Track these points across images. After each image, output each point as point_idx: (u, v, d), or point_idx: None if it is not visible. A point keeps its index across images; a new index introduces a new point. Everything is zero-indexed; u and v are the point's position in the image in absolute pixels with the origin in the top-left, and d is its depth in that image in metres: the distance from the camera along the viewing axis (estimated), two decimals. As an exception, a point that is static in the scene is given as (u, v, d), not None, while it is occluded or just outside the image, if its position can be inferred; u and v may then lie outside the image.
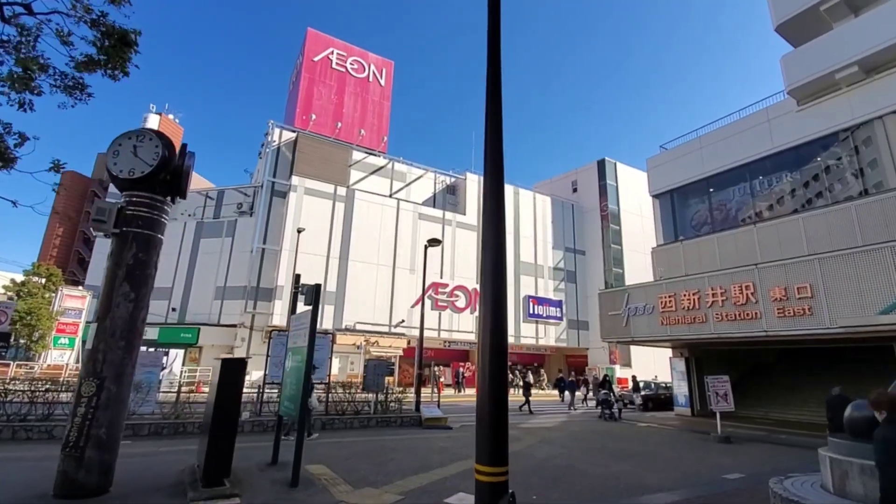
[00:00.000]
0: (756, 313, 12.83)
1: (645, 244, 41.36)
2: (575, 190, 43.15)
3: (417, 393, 13.37)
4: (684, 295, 14.79)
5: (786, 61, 16.47)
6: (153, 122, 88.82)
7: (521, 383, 26.92)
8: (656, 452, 9.82)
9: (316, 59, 33.56)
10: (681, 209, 20.37)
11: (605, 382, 16.65)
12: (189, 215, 32.07)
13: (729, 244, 17.61)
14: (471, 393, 29.52)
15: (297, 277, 5.96)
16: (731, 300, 13.49)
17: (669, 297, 15.22)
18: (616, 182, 41.05)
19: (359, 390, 12.63)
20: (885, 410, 3.32)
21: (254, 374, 21.51)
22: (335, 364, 25.87)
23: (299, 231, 24.70)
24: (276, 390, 11.42)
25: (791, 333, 12.11)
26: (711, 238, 18.42)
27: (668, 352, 39.48)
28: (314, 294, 6.85)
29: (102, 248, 30.48)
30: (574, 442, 10.84)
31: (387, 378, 15.32)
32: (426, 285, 31.95)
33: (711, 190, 19.32)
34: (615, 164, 41.66)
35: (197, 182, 34.78)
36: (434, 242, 14.04)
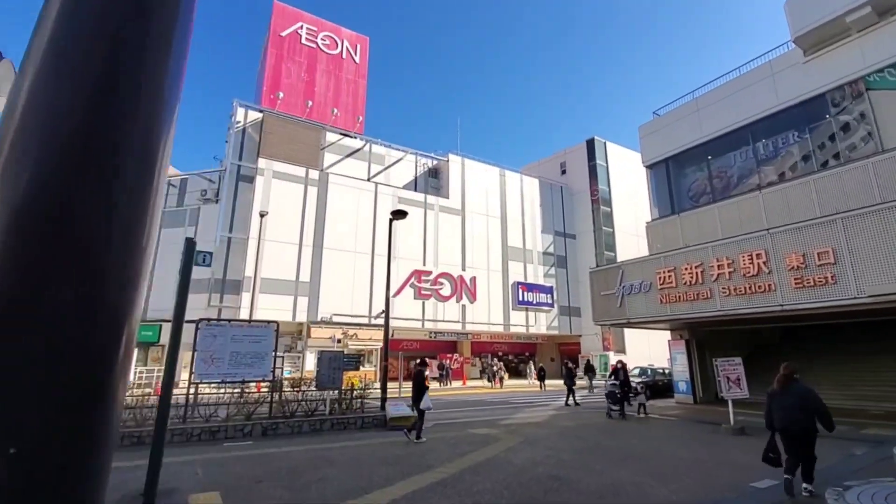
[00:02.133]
0: (769, 285, 11.17)
1: (637, 227, 39.79)
2: (564, 172, 41.43)
3: (383, 389, 11.56)
4: (685, 269, 13.10)
5: (791, 5, 14.73)
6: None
7: (502, 374, 25.46)
8: (663, 451, 8.12)
9: (283, 33, 31.25)
10: (677, 179, 18.66)
11: (619, 371, 13.46)
12: (151, 205, 29.83)
13: (732, 214, 15.96)
14: (457, 386, 27.80)
15: (189, 242, 4.50)
16: (740, 271, 11.82)
17: (668, 271, 13.53)
18: (606, 162, 39.36)
19: (311, 387, 10.79)
20: None
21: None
22: (309, 360, 24.02)
23: (262, 215, 22.68)
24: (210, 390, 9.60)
25: (811, 307, 10.46)
26: (712, 209, 16.75)
27: (666, 335, 38.35)
28: (187, 254, 4.97)
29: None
30: (563, 441, 9.11)
31: (352, 373, 13.51)
32: (409, 274, 30.37)
33: (710, 156, 17.61)
34: (605, 143, 39.96)
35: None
36: (398, 215, 12.17)
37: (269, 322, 10.18)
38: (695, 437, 9.49)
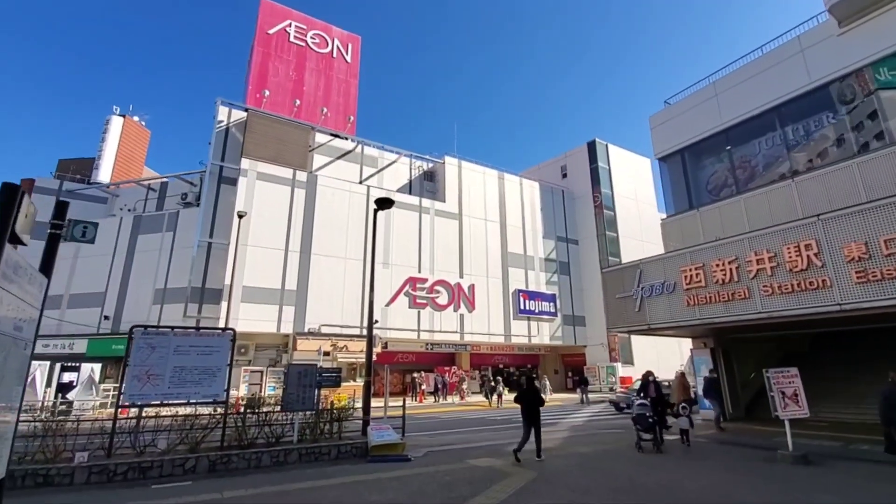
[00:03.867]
0: (823, 281, 9.40)
1: (642, 231, 38.18)
2: (565, 175, 39.88)
3: (365, 410, 9.65)
4: (717, 265, 11.33)
5: (824, -27, 13.22)
6: (116, 124, 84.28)
7: (499, 389, 23.03)
8: (730, 495, 6.24)
9: (271, 31, 29.90)
10: (694, 172, 17.01)
11: (649, 384, 10.91)
12: (128, 210, 28.09)
13: (760, 206, 14.27)
14: (456, 401, 25.79)
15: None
16: (785, 266, 10.06)
17: (696, 269, 11.75)
18: (609, 165, 37.84)
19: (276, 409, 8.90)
20: None
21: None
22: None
23: (240, 216, 20.92)
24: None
25: (879, 305, 8.68)
26: (736, 201, 15.06)
27: (676, 346, 36.35)
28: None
29: (25, 249, 26.29)
30: (588, 478, 7.23)
31: (332, 391, 11.63)
32: (403, 281, 28.48)
33: (731, 145, 15.98)
34: (606, 145, 38.49)
35: (147, 176, 30.83)
36: (384, 203, 10.41)
37: (223, 329, 8.33)
38: (752, 470, 7.61)
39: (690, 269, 11.86)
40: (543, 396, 9.44)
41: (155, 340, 7.79)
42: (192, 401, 7.92)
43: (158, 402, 7.70)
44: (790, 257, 9.99)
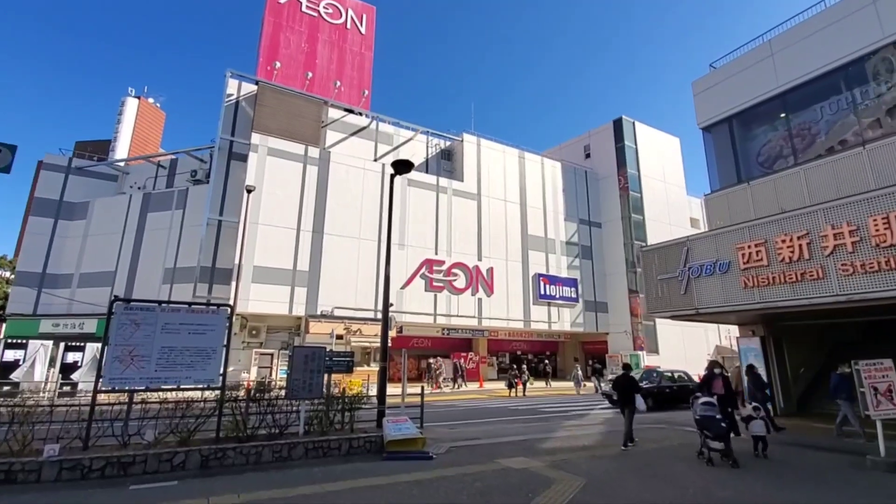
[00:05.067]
0: (921, 258, 7.91)
1: (670, 215, 36.29)
2: (588, 155, 38.02)
3: (380, 399, 8.55)
4: (783, 241, 9.86)
5: None
6: (132, 106, 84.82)
7: (525, 378, 21.56)
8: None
9: (282, 0, 28.52)
10: (743, 142, 15.33)
11: (715, 378, 9.05)
12: (138, 188, 27.37)
13: (825, 177, 12.62)
14: (472, 388, 24.76)
15: None
16: (871, 241, 8.57)
17: (757, 245, 10.29)
18: (635, 144, 35.85)
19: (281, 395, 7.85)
20: None
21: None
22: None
23: (249, 191, 19.87)
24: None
25: None
26: (795, 173, 13.40)
27: (703, 334, 34.71)
28: None
29: (36, 228, 25.88)
30: (648, 488, 6.01)
31: (342, 375, 10.59)
32: (419, 263, 27.29)
33: (788, 110, 14.27)
34: (633, 123, 36.44)
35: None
36: (402, 167, 9.15)
37: (218, 306, 7.26)
38: (847, 482, 6.30)
39: (749, 247, 10.41)
40: (596, 384, 8.56)
41: (139, 316, 6.75)
42: (182, 386, 6.89)
43: (143, 388, 6.68)
44: (877, 230, 8.50)
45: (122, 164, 30.63)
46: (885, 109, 12.11)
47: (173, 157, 28.22)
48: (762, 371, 13.26)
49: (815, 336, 15.32)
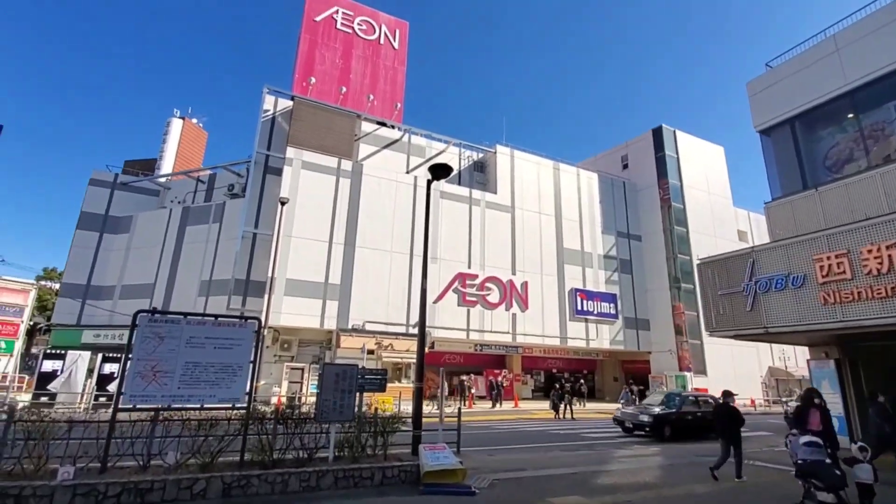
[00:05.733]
0: None
1: (715, 227, 34.36)
2: (626, 166, 36.69)
3: (416, 423, 7.84)
4: (869, 251, 8.67)
5: None
6: (176, 126, 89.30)
7: (570, 401, 19.87)
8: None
9: (318, 18, 29.07)
10: (808, 145, 14.06)
11: (811, 410, 7.58)
12: (178, 203, 28.09)
13: (907, 181, 11.28)
14: (507, 408, 23.66)
15: None
16: None
17: (838, 256, 9.11)
18: (677, 153, 34.34)
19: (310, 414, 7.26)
20: None
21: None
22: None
23: (283, 202, 19.84)
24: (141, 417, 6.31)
25: None
26: (871, 177, 12.05)
27: (755, 355, 32.35)
28: None
29: (82, 241, 26.84)
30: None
31: (375, 395, 9.97)
32: (452, 277, 26.61)
33: (858, 110, 12.97)
34: (674, 132, 35.00)
35: (201, 174, 30.93)
36: (440, 171, 8.59)
37: (246, 318, 6.80)
38: None
39: (829, 258, 9.24)
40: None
41: (164, 329, 6.35)
42: (206, 405, 6.41)
43: (165, 406, 6.24)
44: None
45: (163, 179, 31.65)
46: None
47: (212, 171, 28.90)
48: (837, 397, 11.83)
49: (893, 358, 13.65)
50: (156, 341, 6.27)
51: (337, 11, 29.87)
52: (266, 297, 19.05)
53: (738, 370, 31.38)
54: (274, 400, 18.32)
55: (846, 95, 13.19)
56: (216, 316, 6.72)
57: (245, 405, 6.61)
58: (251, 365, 6.72)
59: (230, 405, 6.54)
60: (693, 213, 33.06)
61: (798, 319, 9.63)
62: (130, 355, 6.16)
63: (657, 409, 14.21)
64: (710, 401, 15.32)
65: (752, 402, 28.80)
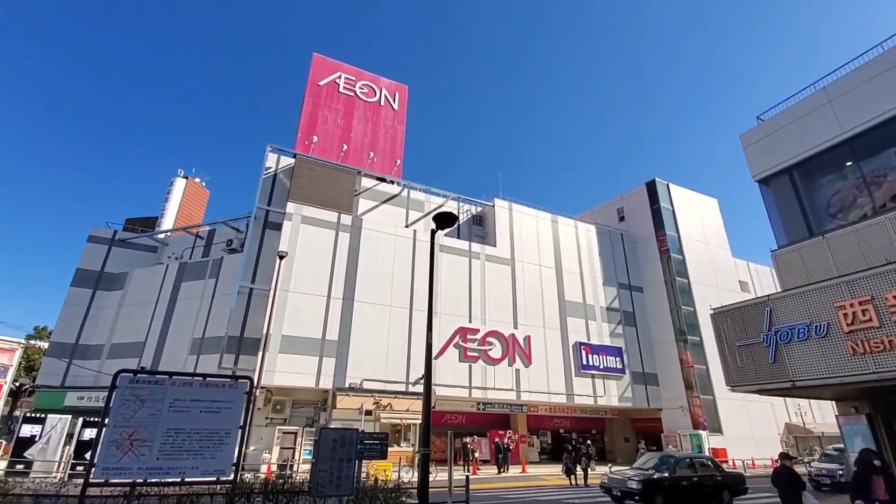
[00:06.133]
0: None
1: (716, 277, 34.10)
2: (622, 218, 37.07)
3: (421, 496, 6.99)
4: (895, 296, 8.29)
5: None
6: (179, 185, 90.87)
7: (584, 461, 18.28)
8: None
9: (321, 83, 30.35)
10: (808, 192, 14.09)
11: (874, 475, 7.18)
12: (175, 258, 27.79)
13: (917, 226, 11.12)
14: (516, 473, 22.04)
15: None
16: None
17: (862, 304, 8.72)
18: (672, 205, 34.81)
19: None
20: None
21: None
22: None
23: (281, 256, 19.54)
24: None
25: None
26: (879, 223, 11.93)
27: (770, 410, 30.97)
28: None
29: (75, 298, 26.20)
30: None
31: (373, 464, 9.14)
32: (452, 332, 25.79)
33: (858, 157, 13.10)
34: (667, 185, 35.70)
35: (201, 231, 30.89)
36: (445, 221, 8.37)
37: (236, 378, 6.23)
38: None
39: (852, 305, 8.84)
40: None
41: (146, 391, 5.77)
42: (187, 479, 5.70)
43: (142, 480, 5.53)
44: None
45: (162, 235, 31.56)
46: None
47: (211, 227, 28.86)
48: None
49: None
50: (136, 405, 5.67)
51: (340, 77, 31.26)
52: (260, 354, 18.25)
53: (755, 428, 29.91)
54: (264, 468, 16.98)
55: (844, 144, 13.37)
56: (204, 375, 6.15)
57: (231, 478, 5.88)
58: (240, 431, 6.06)
59: (214, 478, 5.82)
60: (693, 264, 32.94)
61: (827, 372, 9.05)
62: (107, 421, 5.53)
63: (647, 474, 12.63)
64: (709, 463, 14.17)
65: (773, 462, 27.07)
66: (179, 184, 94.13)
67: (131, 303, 25.83)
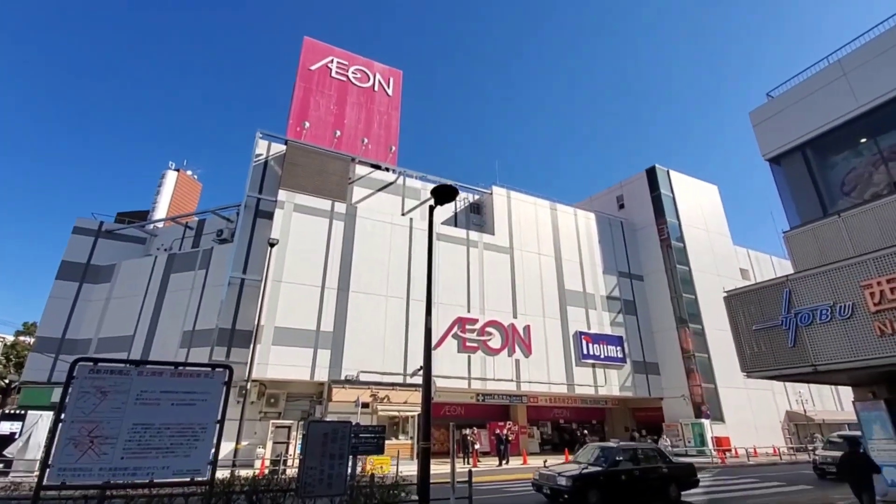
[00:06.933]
0: None
1: (718, 264, 33.59)
2: (622, 206, 36.47)
3: (422, 493, 6.40)
4: (927, 274, 7.72)
5: None
6: (171, 178, 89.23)
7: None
8: None
9: (313, 67, 29.40)
10: (822, 170, 13.50)
11: None
12: (164, 250, 26.97)
13: (941, 202, 10.55)
14: (518, 465, 21.59)
15: None
16: None
17: (890, 281, 8.14)
18: (672, 192, 34.23)
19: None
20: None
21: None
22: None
23: (272, 244, 18.83)
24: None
25: None
26: (897, 200, 11.37)
27: (771, 399, 30.62)
28: None
29: (60, 292, 25.37)
30: None
31: (368, 459, 8.53)
32: (451, 322, 25.15)
33: (875, 133, 12.50)
34: (668, 171, 35.09)
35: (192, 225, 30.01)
36: (444, 197, 7.71)
37: (213, 367, 5.57)
38: None
39: (880, 283, 8.26)
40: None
41: (108, 382, 5.10)
42: (156, 480, 5.05)
43: (103, 482, 4.88)
44: None
45: (150, 227, 30.68)
46: None
47: (201, 217, 28.03)
48: (891, 441, 10.44)
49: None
50: (97, 397, 5.01)
51: (332, 61, 30.31)
52: (252, 345, 17.60)
53: (757, 416, 29.58)
54: (257, 464, 16.39)
55: (860, 118, 12.76)
56: (176, 364, 5.48)
57: (207, 481, 5.24)
58: (217, 426, 5.41)
59: (188, 478, 5.17)
60: (693, 251, 32.43)
61: (852, 355, 8.49)
62: (63, 416, 4.87)
63: (579, 469, 10.76)
64: (655, 454, 12.34)
65: (776, 450, 26.79)
66: (171, 177, 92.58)
67: (119, 295, 25.05)
